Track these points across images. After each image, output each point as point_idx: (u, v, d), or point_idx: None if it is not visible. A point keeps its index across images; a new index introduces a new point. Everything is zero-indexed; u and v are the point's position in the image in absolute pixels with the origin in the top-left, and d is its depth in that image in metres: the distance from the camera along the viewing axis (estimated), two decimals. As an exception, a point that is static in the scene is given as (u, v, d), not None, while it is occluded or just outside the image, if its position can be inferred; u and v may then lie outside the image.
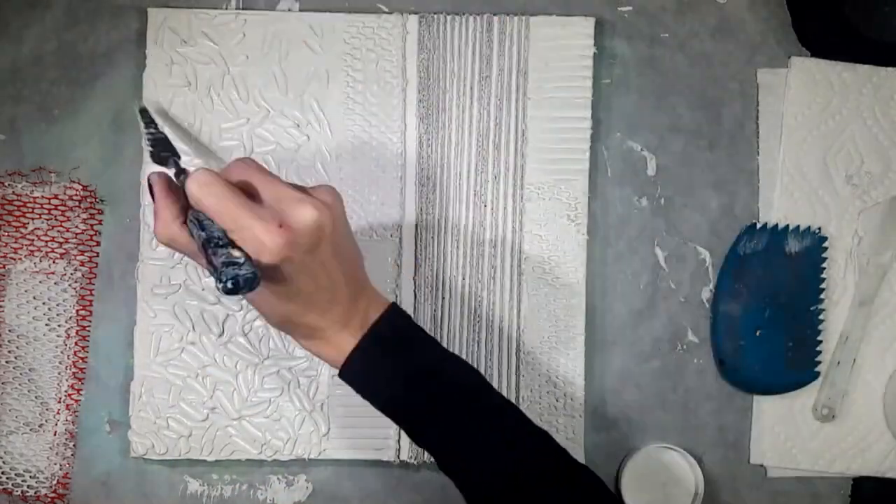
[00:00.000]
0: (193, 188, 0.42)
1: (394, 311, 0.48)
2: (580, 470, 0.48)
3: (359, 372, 0.48)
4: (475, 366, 0.61)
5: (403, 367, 0.48)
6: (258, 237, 0.41)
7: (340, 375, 0.48)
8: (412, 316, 0.50)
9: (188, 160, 0.60)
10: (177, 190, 0.46)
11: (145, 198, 0.61)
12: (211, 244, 0.42)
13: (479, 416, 0.48)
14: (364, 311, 0.47)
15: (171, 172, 0.49)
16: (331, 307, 0.46)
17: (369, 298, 0.48)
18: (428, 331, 0.61)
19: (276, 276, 0.43)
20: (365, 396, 0.49)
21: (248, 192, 0.44)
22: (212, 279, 0.46)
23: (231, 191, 0.42)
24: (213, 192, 0.42)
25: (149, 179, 0.47)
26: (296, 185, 0.45)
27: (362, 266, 0.49)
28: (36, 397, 0.62)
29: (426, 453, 0.61)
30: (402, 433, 0.61)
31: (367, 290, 0.48)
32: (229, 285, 0.40)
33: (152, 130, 0.57)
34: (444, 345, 0.61)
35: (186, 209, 0.45)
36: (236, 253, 0.41)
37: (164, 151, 0.54)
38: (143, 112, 0.59)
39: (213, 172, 0.43)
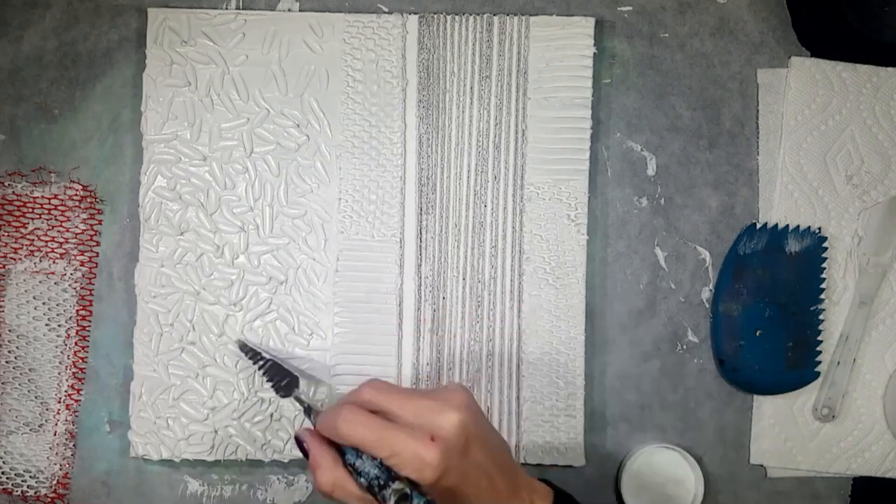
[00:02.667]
0: (344, 428, 0.44)
1: (558, 498, 0.48)
2: None
3: None
4: (475, 366, 0.61)
5: None
6: (417, 456, 0.42)
7: None
8: (571, 495, 0.50)
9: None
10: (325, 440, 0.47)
11: (146, 197, 0.61)
12: (374, 487, 0.44)
13: None
14: (529, 502, 0.47)
15: (300, 407, 0.52)
16: (495, 499, 0.46)
17: (529, 487, 0.48)
18: (429, 330, 0.61)
19: (439, 492, 0.44)
20: None
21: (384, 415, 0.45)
22: None
23: (377, 420, 0.44)
24: (362, 425, 0.44)
25: (297, 438, 0.48)
26: (424, 392, 0.46)
27: (512, 455, 0.49)
28: (36, 397, 0.62)
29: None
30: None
31: (523, 478, 0.48)
32: None
33: (260, 362, 0.59)
34: (445, 344, 0.61)
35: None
36: (399, 486, 0.43)
37: (282, 379, 0.57)
38: (243, 346, 0.60)
39: (355, 406, 0.44)
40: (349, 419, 0.44)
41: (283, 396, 0.58)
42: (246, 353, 0.60)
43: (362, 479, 0.44)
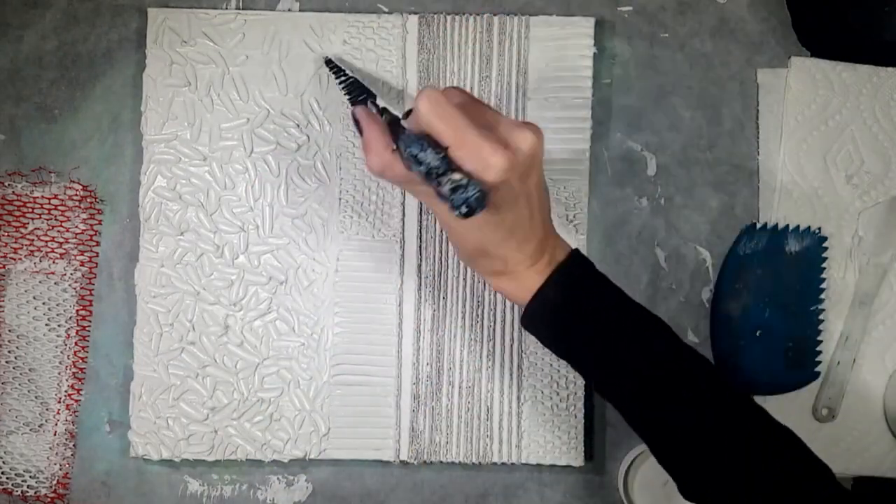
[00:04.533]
0: (424, 106, 0.43)
1: (577, 256, 0.49)
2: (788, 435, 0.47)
3: (541, 312, 0.48)
4: (475, 366, 0.61)
5: (587, 312, 0.48)
6: (484, 155, 0.42)
7: (524, 316, 0.48)
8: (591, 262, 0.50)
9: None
10: (381, 123, 0.48)
11: (146, 197, 0.61)
12: (433, 175, 0.43)
13: (666, 367, 0.47)
14: (552, 251, 0.48)
15: (373, 111, 0.52)
16: (526, 241, 0.47)
17: (556, 240, 0.50)
18: (429, 330, 0.61)
19: (490, 200, 0.43)
20: (545, 340, 0.49)
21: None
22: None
23: (457, 110, 0.43)
24: (442, 110, 0.43)
25: (353, 114, 0.49)
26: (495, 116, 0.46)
27: (550, 207, 0.50)
28: (36, 397, 0.62)
29: (426, 453, 0.61)
30: (402, 433, 0.61)
31: (554, 232, 0.50)
32: (464, 210, 0.42)
33: (343, 77, 0.59)
34: (445, 344, 0.61)
35: (395, 140, 0.46)
36: (458, 176, 0.42)
37: (360, 94, 0.57)
38: (329, 63, 0.61)
39: (438, 91, 0.44)
40: (433, 99, 0.43)
41: (356, 105, 0.56)
42: (331, 68, 0.60)
43: (422, 167, 0.44)
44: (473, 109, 0.45)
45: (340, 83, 0.59)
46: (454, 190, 0.42)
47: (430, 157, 0.43)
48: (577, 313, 0.48)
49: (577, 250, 0.50)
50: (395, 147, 0.46)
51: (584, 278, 0.49)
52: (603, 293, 0.49)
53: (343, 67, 0.60)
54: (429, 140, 0.44)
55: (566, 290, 0.48)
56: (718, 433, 0.46)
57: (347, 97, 0.58)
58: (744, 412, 0.47)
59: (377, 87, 0.62)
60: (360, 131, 0.49)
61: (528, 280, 0.48)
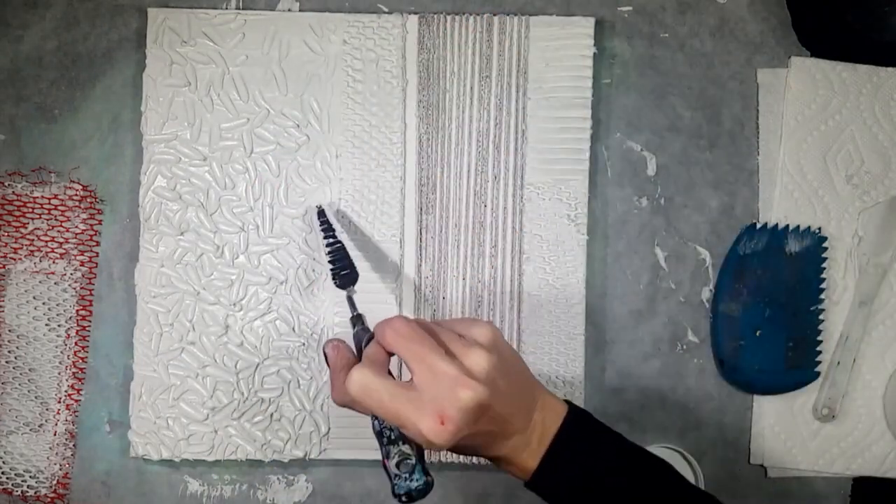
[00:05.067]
0: (353, 388, 0.43)
1: (570, 419, 0.47)
2: None
3: (545, 486, 0.46)
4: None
5: (588, 478, 0.46)
6: (423, 434, 0.42)
7: (527, 486, 0.47)
8: (588, 412, 0.48)
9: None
10: (348, 352, 0.48)
11: (146, 197, 0.61)
12: (384, 438, 0.44)
13: None
14: (542, 426, 0.46)
15: (349, 309, 0.53)
16: (507, 440, 0.45)
17: (544, 407, 0.47)
18: (428, 331, 0.61)
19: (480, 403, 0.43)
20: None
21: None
22: None
23: (386, 389, 0.43)
24: (371, 394, 0.43)
25: (324, 349, 0.49)
26: (448, 337, 0.45)
27: (530, 375, 0.48)
28: (36, 397, 0.62)
29: (426, 453, 0.61)
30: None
31: (540, 397, 0.47)
32: (403, 500, 0.42)
33: (331, 239, 0.58)
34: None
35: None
36: (407, 449, 0.43)
37: (344, 268, 0.56)
38: (321, 214, 0.59)
39: (367, 371, 0.43)
40: (359, 381, 0.43)
41: (338, 286, 0.56)
42: (321, 223, 0.59)
43: (376, 422, 0.44)
44: (414, 360, 0.44)
45: (327, 245, 0.58)
46: (398, 476, 0.42)
47: (377, 425, 0.44)
48: (571, 487, 0.46)
49: (569, 412, 0.47)
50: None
51: (574, 451, 0.47)
52: (600, 455, 0.47)
53: (333, 227, 0.59)
54: None
55: (559, 467, 0.46)
56: None
57: (329, 266, 0.57)
58: None
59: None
60: (328, 364, 0.48)
61: (524, 463, 0.46)
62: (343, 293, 0.56)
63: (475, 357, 0.43)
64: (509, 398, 0.45)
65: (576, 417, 0.47)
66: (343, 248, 0.58)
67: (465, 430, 0.42)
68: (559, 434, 0.46)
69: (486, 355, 0.43)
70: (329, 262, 0.57)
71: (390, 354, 0.46)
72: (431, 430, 0.42)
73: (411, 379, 0.43)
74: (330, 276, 0.57)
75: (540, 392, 0.47)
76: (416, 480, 0.43)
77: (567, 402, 0.48)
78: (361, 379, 0.43)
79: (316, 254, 0.62)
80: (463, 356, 0.44)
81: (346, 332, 0.61)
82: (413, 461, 0.43)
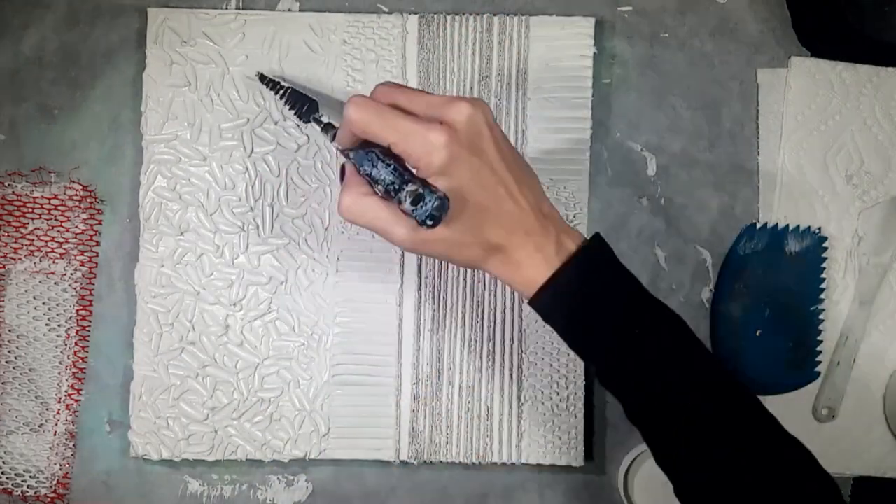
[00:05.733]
0: (353, 112, 0.44)
1: (596, 244, 0.46)
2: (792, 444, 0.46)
3: (551, 304, 0.46)
4: (475, 366, 0.61)
5: (602, 304, 0.46)
6: (424, 138, 0.43)
7: (533, 301, 0.46)
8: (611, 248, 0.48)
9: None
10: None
11: (146, 197, 0.61)
12: (391, 192, 0.44)
13: (680, 366, 0.46)
14: (556, 237, 0.46)
15: (318, 128, 0.53)
16: (515, 223, 0.45)
17: (559, 225, 0.46)
18: (429, 330, 0.61)
19: (453, 194, 0.43)
20: (556, 327, 0.47)
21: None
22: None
23: (386, 107, 0.44)
24: (372, 110, 0.44)
25: (341, 168, 0.49)
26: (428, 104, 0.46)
27: (542, 190, 0.48)
28: (36, 397, 0.62)
29: (426, 453, 0.61)
30: (402, 433, 0.61)
31: (555, 216, 0.47)
32: (429, 223, 0.43)
33: (280, 91, 0.59)
34: (445, 344, 0.61)
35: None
36: (413, 186, 0.43)
37: (303, 105, 0.57)
38: (262, 78, 0.60)
39: (365, 96, 0.45)
40: (360, 104, 0.44)
41: (305, 122, 0.58)
42: (265, 84, 0.60)
43: (379, 187, 0.45)
44: (406, 100, 0.45)
45: (280, 97, 0.59)
46: (414, 202, 0.43)
47: (382, 173, 0.44)
48: (591, 305, 0.46)
49: (597, 235, 0.47)
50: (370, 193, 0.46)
51: (599, 270, 0.47)
52: (618, 285, 0.47)
53: (278, 80, 0.60)
54: (376, 154, 0.45)
55: (580, 281, 0.46)
56: (719, 436, 0.45)
57: (291, 110, 0.58)
58: (749, 415, 0.46)
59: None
60: (342, 177, 0.48)
61: (532, 269, 0.45)
62: (317, 129, 0.56)
63: (456, 109, 0.44)
64: (508, 160, 0.45)
65: (601, 245, 0.47)
66: (292, 89, 0.59)
67: (463, 144, 0.43)
68: (583, 249, 0.46)
69: (468, 107, 0.44)
70: (289, 109, 0.58)
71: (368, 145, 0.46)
72: (430, 130, 0.43)
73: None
74: (297, 118, 0.58)
75: (554, 210, 0.47)
76: (430, 201, 0.42)
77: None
78: (361, 99, 0.44)
79: (316, 253, 0.62)
80: (444, 113, 0.44)
81: (346, 333, 0.61)
82: (421, 189, 0.43)
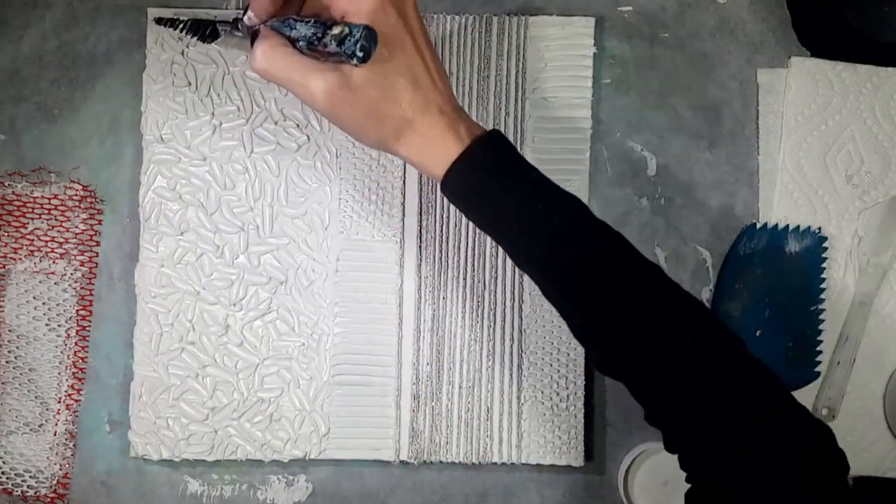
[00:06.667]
0: (258, 65, 0.45)
1: (497, 133, 0.47)
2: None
3: (464, 180, 0.46)
4: (475, 366, 0.61)
5: (511, 180, 0.46)
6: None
7: (444, 181, 0.46)
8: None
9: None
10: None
11: (146, 197, 0.61)
12: (314, 41, 0.44)
13: (584, 237, 0.47)
14: (468, 124, 0.47)
15: (228, 28, 0.52)
16: (430, 98, 0.46)
17: (469, 119, 0.48)
18: (429, 330, 0.61)
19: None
20: (467, 208, 0.48)
21: None
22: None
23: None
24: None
25: (252, 36, 0.48)
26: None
27: (447, 77, 0.49)
28: (36, 397, 0.62)
29: (426, 453, 0.61)
30: (402, 433, 0.61)
31: (464, 112, 0.48)
32: (360, 54, 0.42)
33: (180, 25, 0.57)
34: (445, 344, 0.61)
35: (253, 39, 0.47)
36: (337, 29, 0.43)
37: (206, 28, 0.56)
38: (160, 20, 0.59)
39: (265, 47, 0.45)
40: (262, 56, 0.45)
41: (213, 40, 0.56)
42: (164, 24, 0.58)
43: (301, 43, 0.44)
44: None
45: (182, 31, 0.57)
46: (341, 42, 0.42)
47: (302, 30, 0.44)
48: (500, 180, 0.46)
49: (495, 130, 0.48)
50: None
51: (507, 151, 0.47)
52: (525, 165, 0.47)
53: (175, 17, 0.58)
54: (293, 18, 0.45)
55: (490, 158, 0.46)
56: (625, 302, 0.45)
57: (196, 38, 0.56)
58: (649, 279, 0.46)
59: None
60: (252, 41, 0.47)
61: (444, 144, 0.46)
62: (231, 43, 0.57)
63: None
64: (428, 47, 0.46)
65: (504, 137, 0.48)
66: (191, 20, 0.57)
67: (387, 9, 0.44)
68: (491, 133, 0.47)
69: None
70: (195, 39, 0.57)
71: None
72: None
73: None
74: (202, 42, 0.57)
75: (460, 108, 0.48)
76: (359, 32, 0.42)
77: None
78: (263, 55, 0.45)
79: (316, 253, 0.62)
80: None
81: (346, 333, 0.61)
82: (346, 28, 0.43)
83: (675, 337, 0.45)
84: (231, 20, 0.52)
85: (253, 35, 0.48)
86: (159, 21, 0.59)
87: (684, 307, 0.46)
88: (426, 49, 0.47)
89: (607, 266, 0.46)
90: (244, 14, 0.48)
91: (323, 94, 0.44)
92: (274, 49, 0.45)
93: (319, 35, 0.43)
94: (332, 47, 0.43)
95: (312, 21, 0.44)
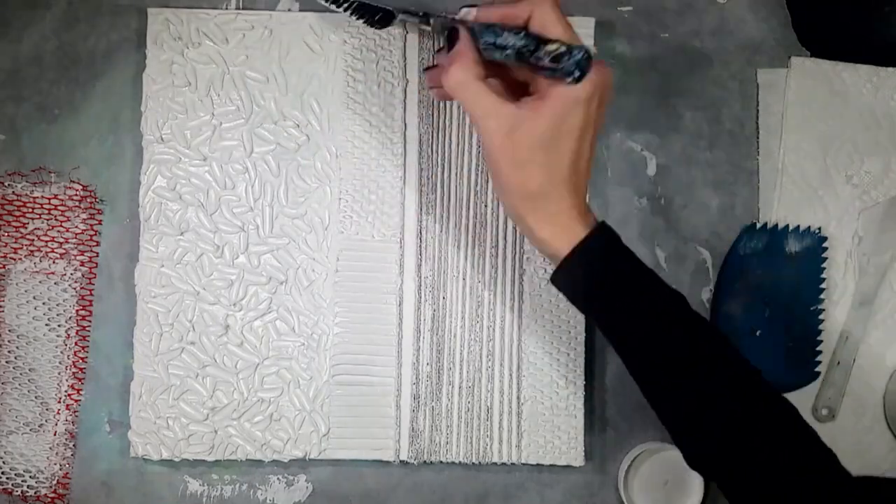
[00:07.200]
0: (450, 84, 0.46)
1: (607, 225, 0.49)
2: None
3: (583, 263, 0.47)
4: (475, 366, 0.61)
5: (622, 272, 0.48)
6: (567, 26, 0.45)
7: (561, 266, 0.48)
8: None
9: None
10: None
11: (146, 197, 0.61)
12: (525, 54, 0.44)
13: (689, 334, 0.48)
14: (592, 214, 0.49)
15: (410, 19, 0.51)
16: (576, 188, 0.47)
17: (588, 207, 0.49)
18: (429, 330, 0.61)
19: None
20: (577, 293, 0.49)
21: None
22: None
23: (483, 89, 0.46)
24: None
25: (450, 33, 0.48)
26: None
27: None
28: (36, 397, 0.62)
29: (426, 453, 0.61)
30: (402, 433, 0.61)
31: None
32: (576, 73, 0.43)
33: (345, 4, 0.56)
34: (445, 344, 0.61)
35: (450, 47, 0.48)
36: (553, 46, 0.43)
37: (374, 15, 0.54)
38: None
39: (466, 70, 0.46)
40: (457, 80, 0.45)
41: (382, 26, 0.54)
42: (328, 1, 0.57)
43: (508, 51, 0.44)
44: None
45: (345, 9, 0.55)
46: (556, 58, 0.42)
47: (511, 39, 0.44)
48: (613, 271, 0.48)
49: (603, 224, 0.49)
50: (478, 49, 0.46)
51: (618, 241, 0.49)
52: (633, 257, 0.49)
53: None
54: (499, 25, 0.45)
55: (608, 246, 0.48)
56: (724, 406, 0.47)
57: (363, 21, 0.55)
58: (753, 389, 0.48)
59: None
60: (451, 46, 0.48)
61: (572, 231, 0.47)
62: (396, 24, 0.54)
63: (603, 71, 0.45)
64: (593, 141, 0.47)
65: (610, 228, 0.49)
66: (359, 2, 0.55)
67: (598, 89, 0.45)
68: (603, 224, 0.48)
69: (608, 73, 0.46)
70: (359, 19, 0.55)
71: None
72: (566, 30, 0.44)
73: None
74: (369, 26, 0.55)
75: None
76: (578, 52, 0.43)
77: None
78: (459, 76, 0.45)
79: (316, 253, 0.62)
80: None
81: (346, 333, 0.61)
82: (563, 47, 0.43)
83: (769, 445, 0.47)
84: (420, 14, 0.51)
85: (450, 33, 0.47)
86: None
87: (779, 413, 0.48)
88: (595, 141, 0.48)
89: (705, 368, 0.48)
90: (463, 8, 0.48)
91: (494, 134, 0.45)
92: (468, 71, 0.46)
93: (532, 48, 0.43)
94: (546, 62, 0.43)
95: (524, 33, 0.44)
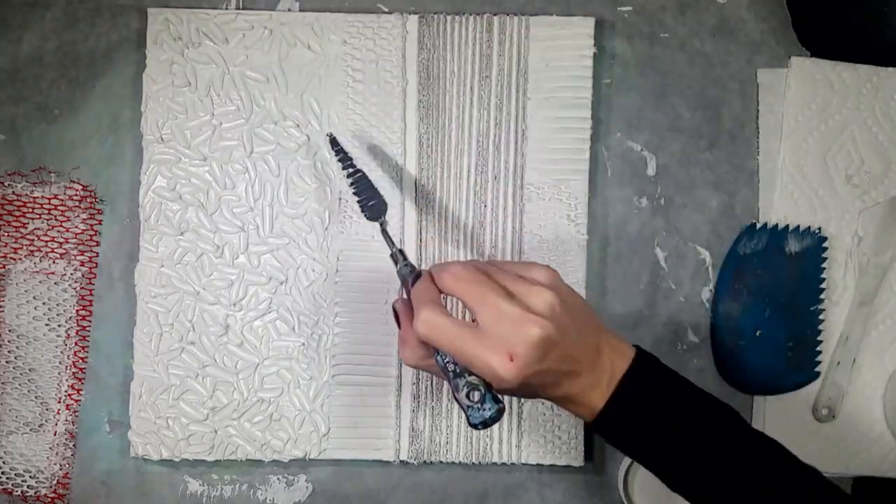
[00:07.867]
0: (422, 329, 0.44)
1: (638, 361, 0.47)
2: None
3: (611, 427, 0.47)
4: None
5: (655, 421, 0.46)
6: (494, 372, 0.43)
7: (594, 429, 0.47)
8: (655, 356, 0.48)
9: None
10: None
11: (146, 197, 0.61)
12: (450, 373, 0.44)
13: (741, 462, 0.47)
14: (610, 369, 0.46)
15: (385, 241, 0.52)
16: (574, 379, 0.45)
17: (612, 350, 0.47)
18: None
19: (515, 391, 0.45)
20: (619, 448, 0.49)
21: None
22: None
23: (455, 328, 0.44)
24: (440, 331, 0.44)
25: (394, 307, 0.50)
26: (509, 279, 0.45)
27: (595, 316, 0.48)
28: (36, 397, 0.62)
29: (426, 453, 0.61)
30: (402, 433, 0.61)
31: (606, 339, 0.47)
32: (479, 427, 0.44)
33: (350, 168, 0.56)
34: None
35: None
36: (474, 380, 0.44)
37: (371, 199, 0.55)
38: (334, 142, 0.58)
39: (434, 310, 0.44)
40: (428, 321, 0.44)
41: (368, 218, 0.55)
42: (336, 152, 0.57)
43: (438, 358, 0.45)
44: (476, 303, 0.44)
45: (348, 175, 0.56)
46: (470, 407, 0.43)
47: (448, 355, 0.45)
48: (637, 429, 0.47)
49: (637, 355, 0.47)
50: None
51: (641, 394, 0.47)
52: (668, 395, 0.47)
53: (349, 154, 0.57)
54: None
55: (626, 408, 0.46)
56: None
57: (355, 197, 0.56)
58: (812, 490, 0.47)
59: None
60: (399, 324, 0.49)
61: (592, 402, 0.46)
62: (376, 225, 0.54)
63: (539, 296, 0.44)
64: (575, 336, 0.45)
65: (644, 360, 0.47)
66: (365, 176, 0.56)
67: (533, 367, 0.43)
68: (627, 375, 0.46)
69: (549, 293, 0.44)
70: (353, 193, 0.56)
71: (441, 293, 0.47)
72: (501, 367, 0.42)
73: (474, 320, 0.44)
74: (360, 209, 0.55)
75: (606, 334, 0.47)
76: (489, 409, 0.43)
77: (636, 346, 0.48)
78: (429, 318, 0.44)
79: (316, 253, 0.62)
80: (525, 295, 0.44)
81: (346, 333, 0.61)
82: (483, 390, 0.43)
83: None
84: (393, 251, 0.52)
85: (415, 277, 0.48)
86: (333, 143, 0.58)
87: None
88: (572, 356, 0.45)
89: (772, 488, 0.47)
90: (398, 265, 0.50)
91: (499, 371, 0.43)
92: (435, 316, 0.44)
93: (458, 371, 0.44)
94: (462, 396, 0.43)
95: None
